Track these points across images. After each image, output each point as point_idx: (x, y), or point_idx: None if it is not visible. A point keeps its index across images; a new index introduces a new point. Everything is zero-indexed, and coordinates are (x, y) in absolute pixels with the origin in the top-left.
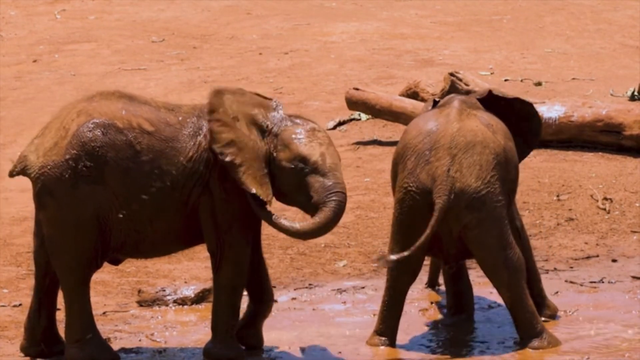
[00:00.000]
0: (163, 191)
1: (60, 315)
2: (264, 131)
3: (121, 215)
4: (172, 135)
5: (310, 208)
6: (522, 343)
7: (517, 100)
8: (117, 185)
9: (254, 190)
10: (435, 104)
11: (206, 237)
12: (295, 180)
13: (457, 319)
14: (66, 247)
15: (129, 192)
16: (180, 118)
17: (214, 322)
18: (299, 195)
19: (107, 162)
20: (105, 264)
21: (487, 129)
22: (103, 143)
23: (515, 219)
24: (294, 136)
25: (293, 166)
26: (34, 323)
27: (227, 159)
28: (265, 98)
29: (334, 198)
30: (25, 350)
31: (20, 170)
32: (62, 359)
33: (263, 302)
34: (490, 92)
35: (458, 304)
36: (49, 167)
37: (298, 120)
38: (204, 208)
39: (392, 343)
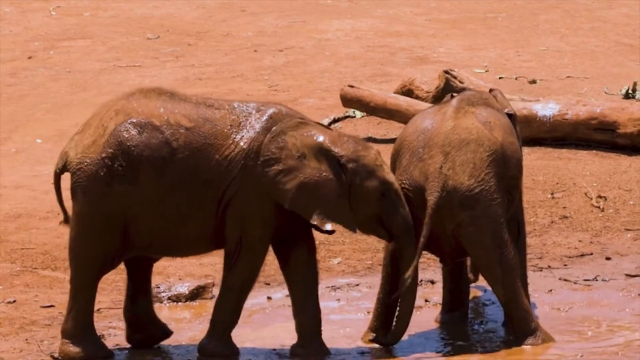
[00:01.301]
0: (197, 189)
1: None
2: (336, 159)
3: (153, 215)
4: (209, 132)
5: (381, 234)
6: (516, 341)
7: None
8: (152, 184)
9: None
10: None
11: (227, 236)
12: (374, 210)
13: (452, 316)
14: (86, 243)
15: (164, 191)
16: (220, 114)
17: (214, 318)
18: (372, 224)
19: (143, 161)
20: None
21: (484, 126)
22: (139, 142)
23: (519, 215)
24: (376, 162)
25: (377, 195)
26: (130, 311)
27: (299, 209)
28: (328, 127)
29: (411, 240)
30: (130, 339)
31: (62, 166)
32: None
33: None
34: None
35: (453, 301)
36: (85, 164)
37: (363, 144)
38: (233, 207)
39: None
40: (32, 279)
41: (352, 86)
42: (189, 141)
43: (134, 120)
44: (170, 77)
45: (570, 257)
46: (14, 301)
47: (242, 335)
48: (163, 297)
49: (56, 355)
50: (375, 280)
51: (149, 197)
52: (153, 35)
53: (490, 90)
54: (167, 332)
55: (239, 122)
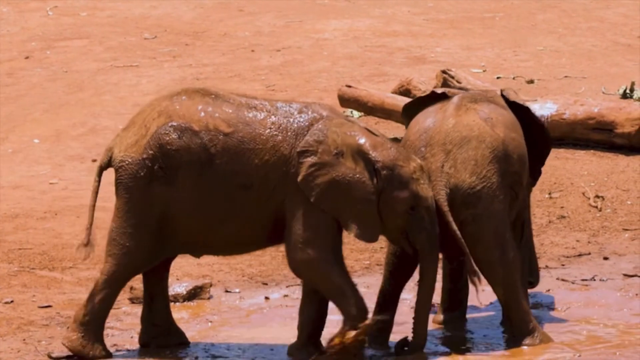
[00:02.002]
0: (234, 192)
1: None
2: (372, 164)
3: (191, 216)
4: (249, 136)
5: (404, 246)
6: (514, 341)
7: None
8: (190, 187)
9: (362, 239)
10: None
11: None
12: (401, 221)
13: (450, 316)
14: (123, 241)
15: (202, 194)
16: (261, 117)
17: (346, 323)
18: (395, 234)
19: (182, 165)
20: None
21: (485, 123)
22: (178, 146)
23: (525, 214)
24: (413, 175)
25: (406, 207)
26: (148, 315)
27: (324, 206)
28: (374, 132)
29: (434, 260)
30: (145, 344)
31: (107, 161)
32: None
33: None
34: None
35: (452, 301)
36: (127, 162)
37: (406, 154)
38: (289, 217)
39: (385, 341)
40: (29, 279)
41: (349, 86)
42: (227, 146)
43: (174, 124)
44: (168, 77)
45: (568, 257)
46: (12, 301)
47: (240, 335)
48: None
49: (54, 355)
50: (373, 280)
51: (188, 199)
52: (150, 35)
53: (502, 90)
54: (184, 342)
55: (280, 125)
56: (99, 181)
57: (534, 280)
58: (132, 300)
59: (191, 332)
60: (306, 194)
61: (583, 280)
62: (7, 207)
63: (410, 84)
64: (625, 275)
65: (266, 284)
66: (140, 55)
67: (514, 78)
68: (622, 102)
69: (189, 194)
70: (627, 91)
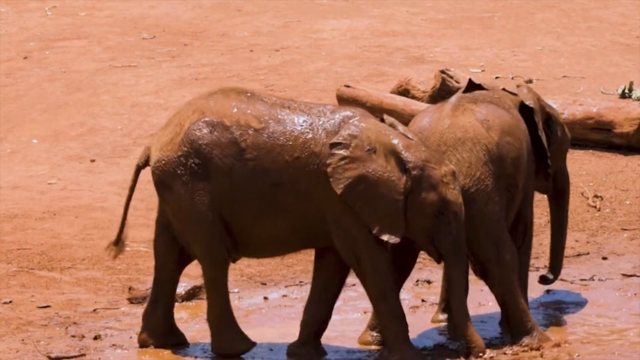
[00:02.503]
0: (266, 190)
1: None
2: (404, 163)
3: (228, 214)
4: (279, 133)
5: (429, 250)
6: (512, 340)
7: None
8: (223, 183)
9: (384, 238)
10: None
11: (338, 248)
12: (427, 223)
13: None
14: (194, 238)
15: (234, 190)
16: (293, 115)
17: (383, 333)
18: (421, 236)
19: (212, 160)
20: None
21: (481, 124)
22: (209, 141)
23: (527, 216)
24: (444, 178)
25: (433, 211)
26: (151, 313)
27: (349, 200)
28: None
29: (463, 261)
30: (143, 343)
31: (144, 160)
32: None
33: None
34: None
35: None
36: (163, 161)
37: (439, 158)
38: (328, 215)
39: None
40: (28, 280)
41: (348, 86)
42: (257, 142)
43: (207, 120)
44: (166, 77)
45: (566, 256)
46: (10, 302)
47: None
48: None
49: (53, 355)
50: None
51: (223, 196)
52: (149, 35)
53: (518, 86)
54: (183, 342)
55: (311, 123)
56: (136, 180)
57: (550, 278)
58: (131, 301)
59: (190, 332)
60: (333, 186)
61: (582, 280)
62: (5, 207)
63: (408, 84)
64: (624, 275)
65: (265, 284)
66: (138, 56)
67: (512, 78)
68: (620, 102)
69: (223, 190)
70: (626, 91)
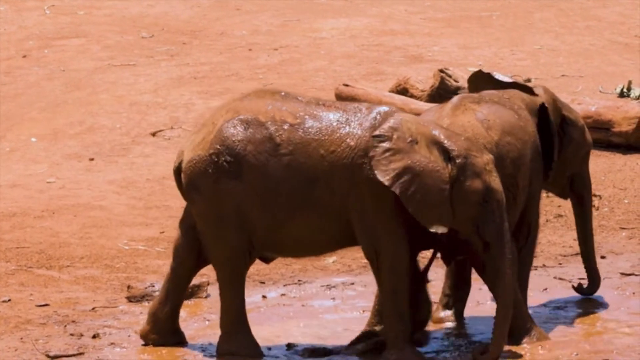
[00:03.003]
0: (300, 186)
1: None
2: (447, 152)
3: (261, 212)
4: (315, 128)
5: (474, 240)
6: (512, 339)
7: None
8: (256, 179)
9: (433, 229)
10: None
11: (360, 242)
12: (473, 212)
13: (447, 314)
14: (215, 241)
15: (267, 187)
16: (327, 111)
17: (385, 330)
18: (466, 225)
19: (246, 156)
20: None
21: (481, 124)
22: (243, 138)
23: (532, 217)
24: (486, 166)
25: (478, 199)
26: (158, 310)
27: (397, 191)
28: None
29: (508, 248)
30: (145, 336)
31: (178, 164)
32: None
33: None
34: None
35: (454, 298)
36: (194, 161)
37: (479, 146)
38: (353, 210)
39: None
40: (26, 278)
41: (347, 85)
42: (292, 137)
43: (241, 117)
44: (165, 75)
45: (565, 255)
46: (9, 300)
47: None
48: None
49: (51, 354)
50: (370, 279)
51: (255, 194)
52: (148, 34)
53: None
54: (183, 342)
55: (347, 119)
56: (180, 184)
57: (588, 291)
58: (130, 299)
59: (189, 331)
60: (379, 178)
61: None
62: (4, 205)
63: (407, 82)
64: (622, 273)
65: (263, 283)
66: (137, 54)
67: (511, 77)
68: (619, 101)
69: (255, 187)
70: (624, 90)
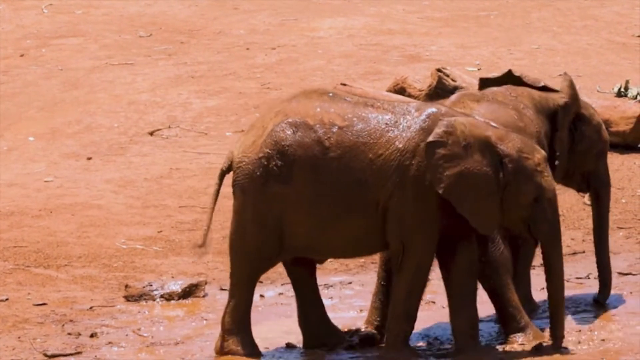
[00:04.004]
0: (349, 188)
1: None
2: (499, 156)
3: (308, 215)
4: (363, 130)
5: (527, 235)
6: (506, 338)
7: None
8: (305, 183)
9: (483, 232)
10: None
11: (389, 240)
12: (525, 212)
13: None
14: (243, 241)
15: (317, 190)
16: (376, 113)
17: (387, 326)
18: (519, 225)
19: (296, 160)
20: None
21: None
22: (293, 142)
23: None
24: (537, 167)
25: (530, 200)
26: (304, 316)
27: (452, 198)
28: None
29: (559, 248)
30: (306, 344)
31: (228, 165)
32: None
33: None
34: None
35: None
36: (244, 163)
37: (531, 146)
38: (393, 209)
39: (381, 338)
40: (24, 277)
41: (344, 84)
42: (341, 140)
43: (290, 120)
44: (163, 75)
45: (563, 255)
46: (7, 299)
47: None
48: (156, 295)
49: (49, 353)
50: (367, 278)
51: (304, 197)
52: (145, 33)
53: (541, 87)
54: (340, 339)
55: (395, 121)
56: (220, 185)
57: (600, 298)
58: (127, 298)
59: (186, 330)
60: (434, 186)
61: (578, 278)
62: (2, 204)
63: (405, 82)
64: (619, 273)
65: (261, 282)
66: (135, 54)
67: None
68: (616, 100)
69: (305, 190)
70: (622, 90)
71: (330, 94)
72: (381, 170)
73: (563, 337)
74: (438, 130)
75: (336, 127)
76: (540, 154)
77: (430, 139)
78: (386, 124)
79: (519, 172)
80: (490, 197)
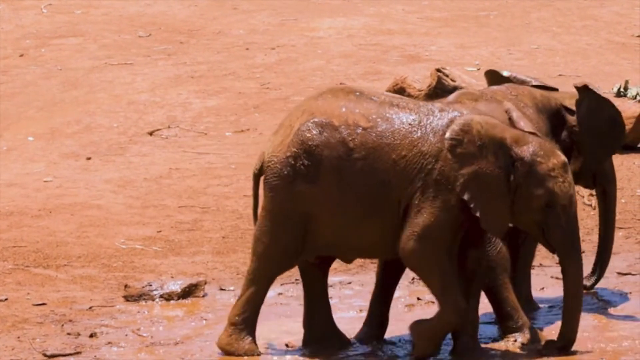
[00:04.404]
0: (374, 189)
1: None
2: (512, 158)
3: (333, 214)
4: (387, 131)
5: (542, 240)
6: (503, 338)
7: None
8: (331, 183)
9: (493, 233)
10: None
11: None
12: (538, 217)
13: None
14: (269, 238)
15: (342, 190)
16: (400, 114)
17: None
18: (534, 229)
19: (322, 160)
20: None
21: None
22: (319, 142)
23: None
24: (551, 172)
25: (542, 204)
26: (309, 316)
27: (466, 196)
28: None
29: (574, 258)
30: (305, 343)
31: (259, 167)
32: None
33: None
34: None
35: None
36: (273, 162)
37: (549, 150)
38: (413, 206)
39: (379, 337)
40: (23, 277)
41: (343, 84)
42: (365, 141)
43: (316, 120)
44: (162, 75)
45: None
46: (6, 299)
47: None
48: (155, 295)
49: (48, 352)
50: (367, 278)
51: (330, 197)
52: (145, 33)
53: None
54: (344, 343)
55: (419, 122)
56: (257, 188)
57: (588, 285)
58: (127, 298)
59: (186, 330)
60: (451, 183)
61: None
62: (1, 204)
63: (404, 82)
64: (619, 273)
65: None
66: (134, 53)
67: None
68: (616, 100)
69: (331, 191)
70: (621, 90)
71: (357, 93)
72: (404, 172)
73: (573, 342)
74: (455, 127)
75: (360, 128)
76: (557, 159)
77: (447, 136)
78: (410, 124)
79: (529, 175)
80: (501, 198)
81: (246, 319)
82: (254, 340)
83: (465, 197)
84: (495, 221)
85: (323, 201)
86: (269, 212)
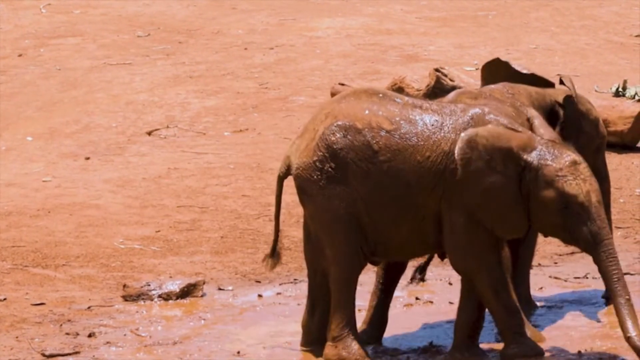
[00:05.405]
0: (400, 191)
1: None
2: (521, 166)
3: (368, 218)
4: (410, 133)
5: (568, 242)
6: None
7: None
8: (360, 187)
9: (507, 237)
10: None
11: (443, 241)
12: (558, 220)
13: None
14: (329, 242)
15: (371, 194)
16: (423, 115)
17: (498, 327)
18: (559, 233)
19: (349, 164)
20: None
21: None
22: (344, 145)
23: None
24: (558, 173)
25: (557, 207)
26: (308, 321)
27: (479, 211)
28: (517, 131)
29: (605, 249)
30: (304, 344)
31: (285, 170)
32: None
33: None
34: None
35: None
36: (301, 167)
37: (556, 152)
38: (443, 213)
39: (379, 337)
40: (22, 277)
41: (342, 84)
42: (389, 143)
43: (340, 123)
44: (161, 75)
45: (560, 254)
46: (5, 299)
47: (233, 333)
48: (154, 294)
49: (47, 352)
50: (367, 278)
51: (362, 200)
52: (143, 33)
53: (561, 82)
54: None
55: (442, 123)
56: (280, 190)
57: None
58: (126, 298)
59: (184, 330)
60: (463, 193)
61: (576, 278)
62: (0, 204)
63: (403, 82)
64: None
65: (259, 282)
66: (133, 53)
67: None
68: (614, 100)
69: (360, 193)
70: (620, 89)
71: (380, 95)
72: (429, 173)
73: (636, 334)
74: (461, 145)
75: (384, 130)
76: (565, 159)
77: (456, 154)
78: (432, 125)
79: (537, 180)
80: (514, 207)
81: (346, 326)
82: (362, 346)
83: (477, 212)
84: (511, 229)
85: (357, 203)
86: (316, 217)
